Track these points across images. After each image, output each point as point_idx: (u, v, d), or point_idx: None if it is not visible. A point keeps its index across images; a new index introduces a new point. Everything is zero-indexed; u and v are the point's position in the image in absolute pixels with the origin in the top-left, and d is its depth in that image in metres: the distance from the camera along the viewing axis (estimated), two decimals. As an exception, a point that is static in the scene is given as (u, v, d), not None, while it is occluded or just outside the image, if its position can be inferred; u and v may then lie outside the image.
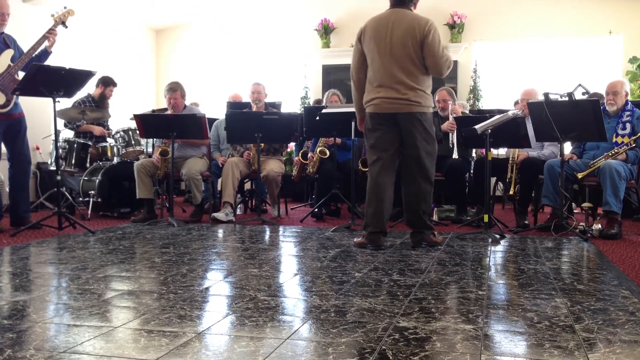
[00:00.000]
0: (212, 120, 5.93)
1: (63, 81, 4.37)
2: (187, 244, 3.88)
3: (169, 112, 5.45)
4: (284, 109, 6.69)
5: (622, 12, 7.51)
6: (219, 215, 5.13)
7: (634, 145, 4.41)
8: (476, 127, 4.12)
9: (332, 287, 2.59)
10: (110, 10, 7.93)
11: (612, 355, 1.70)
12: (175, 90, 5.39)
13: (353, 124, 4.67)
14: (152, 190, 5.30)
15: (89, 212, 5.42)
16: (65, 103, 5.24)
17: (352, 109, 4.78)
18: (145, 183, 5.18)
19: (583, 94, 4.28)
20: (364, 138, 3.95)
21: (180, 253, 3.50)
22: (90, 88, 5.80)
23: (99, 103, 6.00)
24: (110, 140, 5.96)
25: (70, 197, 5.60)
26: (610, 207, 4.20)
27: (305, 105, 7.97)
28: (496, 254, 3.59)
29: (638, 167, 4.60)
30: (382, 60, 3.65)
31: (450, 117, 5.15)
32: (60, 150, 5.48)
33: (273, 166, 5.38)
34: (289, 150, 7.43)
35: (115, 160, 5.83)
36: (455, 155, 5.09)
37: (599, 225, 4.26)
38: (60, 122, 5.69)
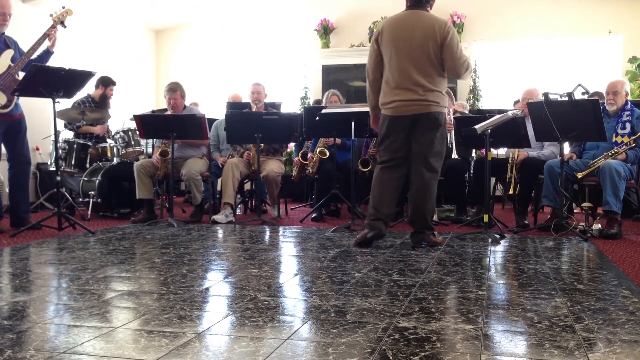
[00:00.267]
0: (211, 121, 5.93)
1: (63, 82, 4.37)
2: (187, 244, 3.88)
3: (168, 112, 5.45)
4: (284, 109, 6.69)
5: (622, 12, 7.51)
6: (219, 217, 5.13)
7: (633, 145, 4.41)
8: (476, 127, 4.12)
9: (332, 287, 2.58)
10: (110, 11, 7.93)
11: (612, 355, 1.70)
12: (175, 90, 5.39)
13: (353, 124, 4.67)
14: (152, 191, 5.30)
15: (89, 212, 5.42)
16: (65, 103, 5.24)
17: (352, 109, 4.82)
18: (145, 183, 5.18)
19: (583, 93, 4.29)
20: (376, 137, 3.97)
21: (180, 253, 3.50)
22: (90, 88, 5.80)
23: (100, 104, 6.00)
24: (110, 141, 5.96)
25: (70, 198, 5.60)
26: (610, 207, 4.20)
27: (305, 105, 7.97)
28: (496, 254, 3.59)
29: (638, 167, 4.60)
30: (400, 62, 3.66)
31: (449, 117, 5.15)
32: (60, 151, 5.49)
33: (273, 166, 5.38)
34: (288, 150, 7.43)
35: (115, 160, 5.83)
36: (454, 155, 5.09)
37: (599, 225, 4.26)
38: (60, 123, 5.69)
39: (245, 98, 6.45)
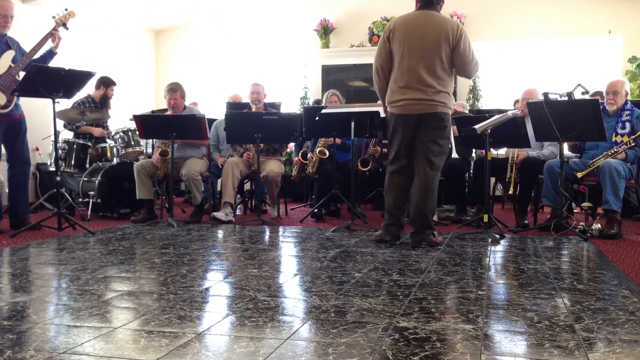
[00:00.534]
0: (211, 121, 5.93)
1: (62, 82, 4.37)
2: (186, 244, 3.88)
3: (169, 112, 5.45)
4: (284, 109, 6.69)
5: (622, 12, 7.52)
6: (219, 214, 5.14)
7: (633, 144, 4.41)
8: (476, 127, 4.12)
9: (332, 287, 2.58)
10: (109, 11, 7.93)
11: (612, 355, 1.70)
12: (175, 90, 5.39)
13: (352, 124, 4.67)
14: (152, 191, 5.30)
15: (89, 212, 5.42)
16: (64, 104, 5.24)
17: (352, 110, 4.82)
18: (145, 184, 5.18)
19: (583, 93, 4.28)
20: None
21: (180, 254, 3.50)
22: (89, 89, 5.80)
23: (101, 104, 6.00)
24: (109, 141, 5.96)
25: (69, 198, 5.60)
26: (610, 206, 4.20)
27: (305, 105, 7.97)
28: (496, 253, 3.59)
29: (638, 167, 4.60)
30: (411, 61, 3.70)
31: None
32: (59, 151, 5.49)
33: (273, 166, 5.38)
34: (288, 150, 7.43)
35: (115, 161, 5.83)
36: (454, 155, 5.09)
37: (599, 225, 4.26)
38: (60, 123, 5.69)
39: (245, 98, 6.45)
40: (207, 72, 9.04)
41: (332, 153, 5.35)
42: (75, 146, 5.68)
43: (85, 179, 5.57)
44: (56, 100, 4.45)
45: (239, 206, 6.20)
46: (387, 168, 3.93)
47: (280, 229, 4.80)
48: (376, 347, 1.76)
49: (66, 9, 4.57)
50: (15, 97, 4.50)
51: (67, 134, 5.94)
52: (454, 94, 5.69)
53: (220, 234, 4.48)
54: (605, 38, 7.56)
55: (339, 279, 2.77)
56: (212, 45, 9.03)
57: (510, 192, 4.80)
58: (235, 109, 5.96)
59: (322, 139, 5.55)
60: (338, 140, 5.42)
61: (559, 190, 4.32)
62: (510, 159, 4.83)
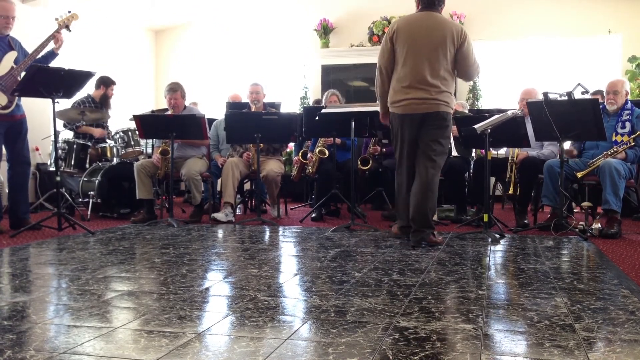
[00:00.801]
0: (211, 121, 5.93)
1: (62, 82, 4.37)
2: (186, 244, 3.88)
3: (169, 112, 5.45)
4: (284, 109, 6.69)
5: (622, 12, 7.51)
6: (219, 215, 5.14)
7: (633, 144, 4.41)
8: (475, 126, 4.12)
9: (332, 287, 2.59)
10: (109, 11, 7.93)
11: (612, 355, 1.70)
12: (175, 90, 5.39)
13: (352, 124, 4.67)
14: (152, 191, 5.30)
15: (89, 212, 5.42)
16: (64, 104, 5.24)
17: (352, 109, 4.82)
18: (145, 183, 5.17)
19: (582, 93, 4.28)
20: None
21: (180, 253, 3.50)
22: (89, 89, 5.80)
23: (102, 104, 6.00)
24: (109, 141, 5.96)
25: (69, 198, 5.60)
26: (610, 206, 4.20)
27: (305, 105, 7.97)
28: (496, 253, 3.59)
29: (638, 166, 4.60)
30: (414, 62, 3.74)
31: None
32: (59, 151, 5.49)
33: (272, 166, 5.38)
34: (288, 150, 7.43)
35: (115, 161, 5.83)
36: (454, 153, 5.10)
37: (599, 225, 4.26)
38: (60, 123, 5.69)
39: (245, 98, 6.44)
40: (207, 72, 9.04)
41: (332, 153, 5.35)
42: (75, 146, 5.68)
43: (85, 179, 5.57)
44: (56, 100, 4.45)
45: (239, 206, 6.20)
46: (398, 169, 3.96)
47: (280, 228, 4.80)
48: (376, 347, 1.76)
49: (69, 12, 4.58)
50: (17, 98, 4.50)
51: (67, 134, 5.94)
52: (454, 93, 5.70)
53: (220, 233, 4.48)
54: (605, 38, 7.56)
55: (339, 278, 2.77)
56: (212, 45, 9.03)
57: (510, 191, 4.80)
58: (235, 109, 5.96)
59: (322, 139, 5.55)
60: (338, 140, 5.42)
61: (558, 189, 4.32)
62: (510, 158, 4.83)
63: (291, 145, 7.07)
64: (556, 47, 7.78)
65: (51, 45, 4.56)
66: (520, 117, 4.35)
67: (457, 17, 7.87)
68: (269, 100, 6.09)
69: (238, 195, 6.02)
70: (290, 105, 8.26)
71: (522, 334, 1.92)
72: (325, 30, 8.39)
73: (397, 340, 1.82)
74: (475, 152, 5.85)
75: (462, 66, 3.79)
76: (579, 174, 4.47)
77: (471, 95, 7.92)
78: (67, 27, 4.55)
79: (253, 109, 5.58)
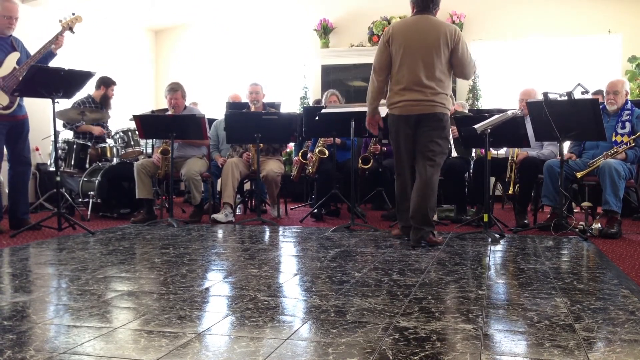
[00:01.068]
0: (211, 121, 5.93)
1: (62, 82, 4.37)
2: (186, 244, 3.88)
3: (169, 112, 5.45)
4: (283, 109, 6.69)
5: (621, 12, 7.51)
6: (219, 216, 5.13)
7: (633, 144, 4.41)
8: (475, 126, 4.13)
9: (332, 287, 2.59)
10: (109, 11, 7.93)
11: (612, 355, 1.70)
12: (176, 90, 5.39)
13: (352, 124, 4.67)
14: (152, 191, 5.30)
15: (89, 213, 5.42)
16: (64, 104, 5.24)
17: (351, 109, 4.82)
18: (145, 183, 5.17)
19: (582, 93, 4.28)
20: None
21: (180, 254, 3.50)
22: (89, 89, 5.80)
23: (102, 104, 6.01)
24: (109, 141, 5.96)
25: (69, 198, 5.60)
26: (610, 207, 4.20)
27: (305, 105, 7.97)
28: (496, 253, 3.59)
29: (638, 166, 4.60)
30: (410, 65, 3.80)
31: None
32: (59, 151, 5.49)
33: (272, 166, 5.38)
34: (288, 150, 7.43)
35: (115, 161, 5.83)
36: (454, 153, 5.10)
37: (599, 225, 4.26)
38: (60, 123, 5.70)
39: (245, 98, 6.45)
40: (207, 72, 9.04)
41: (331, 153, 5.36)
42: (75, 146, 5.68)
43: (85, 179, 5.57)
44: (56, 100, 4.45)
45: (239, 206, 6.21)
46: (397, 171, 3.99)
47: (280, 229, 4.80)
48: (376, 347, 1.76)
49: (73, 14, 4.59)
50: (19, 98, 4.50)
51: (67, 134, 5.94)
52: (454, 93, 5.70)
53: (220, 234, 4.48)
54: (605, 37, 7.56)
55: (339, 278, 2.77)
56: (212, 45, 9.03)
57: (510, 191, 4.80)
58: (235, 109, 5.96)
59: (322, 139, 5.55)
60: (338, 140, 5.42)
61: (558, 189, 4.32)
62: (510, 158, 4.84)
63: (291, 145, 7.07)
64: (556, 47, 7.78)
65: (53, 45, 4.57)
66: (520, 117, 4.35)
67: (457, 17, 7.88)
68: (268, 100, 6.08)
69: (238, 196, 6.02)
70: (290, 105, 8.26)
71: (522, 334, 1.92)
72: (325, 30, 8.39)
73: (397, 340, 1.82)
74: (475, 152, 5.85)
75: (458, 66, 3.84)
76: (579, 174, 4.47)
77: (471, 95, 7.92)
78: (70, 29, 4.57)
79: (252, 109, 5.58)
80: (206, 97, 8.65)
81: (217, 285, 2.68)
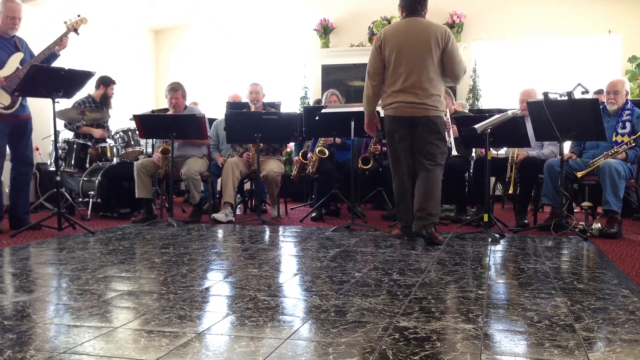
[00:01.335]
0: (211, 120, 5.93)
1: (62, 82, 4.37)
2: (186, 244, 3.88)
3: (170, 112, 5.45)
4: (284, 109, 6.69)
5: (622, 12, 7.52)
6: (219, 216, 5.13)
7: (633, 144, 4.41)
8: (476, 126, 4.13)
9: (332, 287, 2.59)
10: (109, 11, 7.93)
11: (612, 355, 1.70)
12: (176, 90, 5.40)
13: (352, 123, 4.67)
14: (152, 191, 5.30)
15: (89, 212, 5.42)
16: (64, 104, 5.24)
17: (351, 109, 4.82)
18: (145, 183, 5.17)
19: (582, 93, 4.28)
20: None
21: (180, 253, 3.50)
22: (90, 89, 5.80)
23: (102, 103, 6.01)
24: (109, 141, 5.96)
25: (69, 198, 5.60)
26: (610, 207, 4.20)
27: (305, 105, 7.97)
28: (496, 253, 3.59)
29: (638, 166, 4.60)
30: (403, 67, 3.86)
31: (446, 118, 5.15)
32: (59, 151, 5.49)
33: (272, 166, 5.38)
34: (288, 150, 7.43)
35: (115, 160, 5.83)
36: (454, 152, 5.09)
37: (599, 225, 4.26)
38: (60, 123, 5.69)
39: (245, 98, 6.45)
40: (207, 72, 9.04)
41: (332, 153, 5.35)
42: (75, 146, 5.68)
43: (85, 178, 5.57)
44: (56, 100, 4.45)
45: (239, 206, 6.20)
46: (394, 171, 4.03)
47: (280, 228, 4.80)
48: (376, 347, 1.76)
49: (79, 15, 4.60)
50: (21, 98, 4.51)
51: (67, 134, 5.94)
52: (454, 93, 5.70)
53: (220, 233, 4.48)
54: (605, 37, 7.56)
55: (339, 278, 2.77)
56: (212, 45, 9.03)
57: (510, 191, 4.80)
58: (235, 109, 5.96)
59: (322, 139, 5.55)
60: (338, 140, 5.42)
61: (559, 189, 4.32)
62: (510, 158, 4.83)
63: (291, 145, 7.07)
64: (556, 47, 7.78)
65: (56, 47, 4.57)
66: (521, 117, 4.35)
67: (457, 17, 7.88)
68: (269, 100, 6.08)
69: (238, 195, 6.02)
70: (290, 105, 8.26)
71: (522, 334, 1.92)
72: (325, 30, 8.39)
73: (397, 340, 1.82)
74: (476, 152, 5.85)
75: (449, 65, 3.88)
76: (579, 174, 4.47)
77: (471, 95, 7.92)
78: (75, 30, 4.58)
79: (253, 109, 5.58)
80: (206, 97, 8.65)
81: (217, 285, 2.68)
